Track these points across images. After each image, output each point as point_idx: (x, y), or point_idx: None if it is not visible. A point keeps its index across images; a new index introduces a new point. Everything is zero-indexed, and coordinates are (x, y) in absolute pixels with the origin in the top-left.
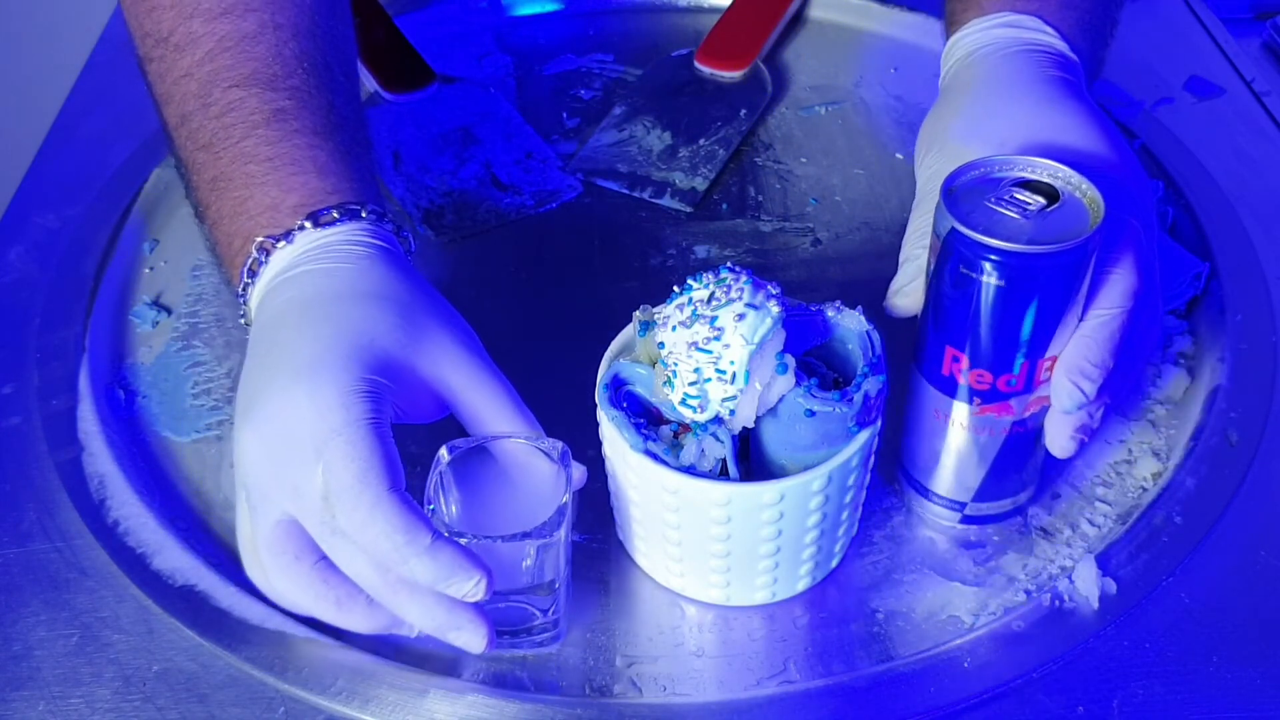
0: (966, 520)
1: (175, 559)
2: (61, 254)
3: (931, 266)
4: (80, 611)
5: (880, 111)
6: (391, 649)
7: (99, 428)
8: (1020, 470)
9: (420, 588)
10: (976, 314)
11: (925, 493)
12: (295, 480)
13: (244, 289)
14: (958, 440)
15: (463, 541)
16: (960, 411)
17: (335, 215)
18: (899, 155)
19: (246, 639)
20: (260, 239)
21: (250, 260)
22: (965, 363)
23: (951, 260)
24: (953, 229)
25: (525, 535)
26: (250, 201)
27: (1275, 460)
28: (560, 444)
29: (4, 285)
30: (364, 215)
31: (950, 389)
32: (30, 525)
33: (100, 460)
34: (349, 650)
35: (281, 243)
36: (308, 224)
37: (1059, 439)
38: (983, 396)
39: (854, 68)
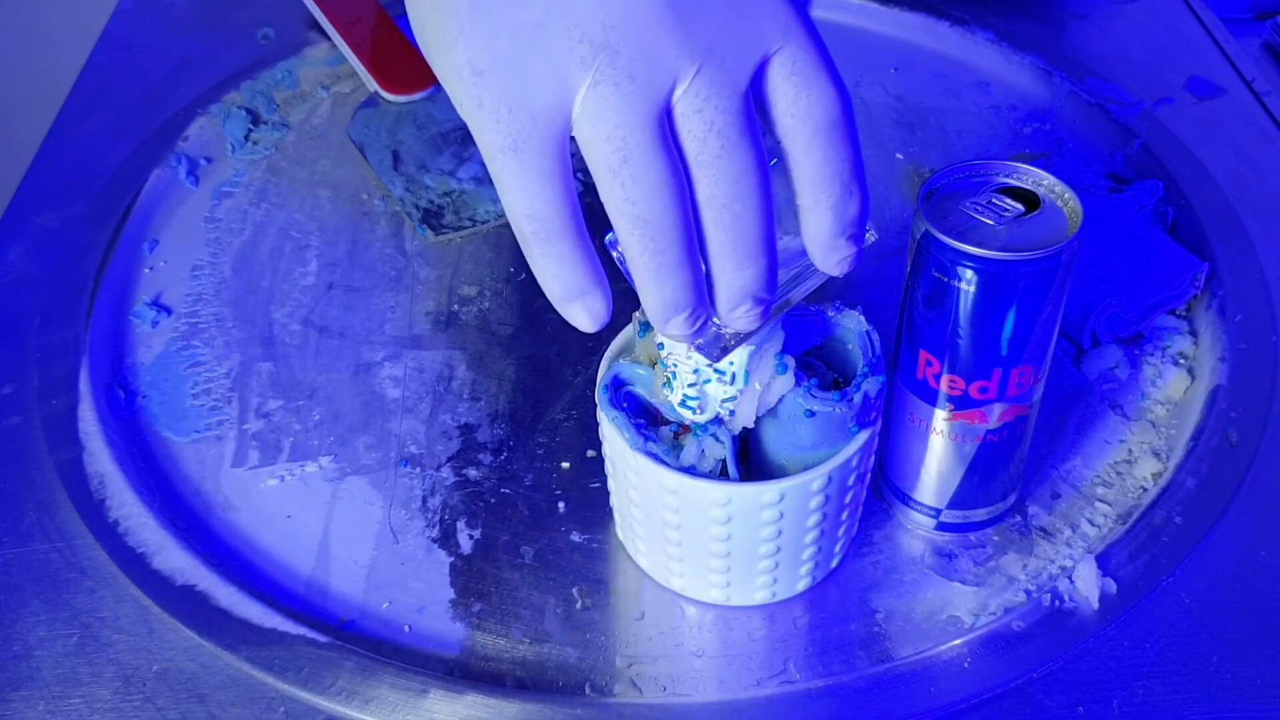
0: (942, 527)
1: (175, 559)
2: (61, 254)
3: (907, 270)
4: (80, 611)
5: (880, 111)
6: (391, 649)
7: (99, 428)
8: (996, 478)
9: (772, 240)
10: (949, 320)
11: (903, 498)
12: (728, 50)
13: None
14: (932, 446)
15: None
16: (935, 417)
17: None
18: (899, 155)
19: (246, 639)
20: None
21: None
22: (939, 368)
23: (926, 265)
24: (926, 233)
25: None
26: None
27: (1275, 460)
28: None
29: (4, 285)
30: None
31: (924, 394)
32: (30, 525)
33: (100, 460)
34: (349, 650)
35: None
36: None
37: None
38: (956, 403)
39: (854, 68)
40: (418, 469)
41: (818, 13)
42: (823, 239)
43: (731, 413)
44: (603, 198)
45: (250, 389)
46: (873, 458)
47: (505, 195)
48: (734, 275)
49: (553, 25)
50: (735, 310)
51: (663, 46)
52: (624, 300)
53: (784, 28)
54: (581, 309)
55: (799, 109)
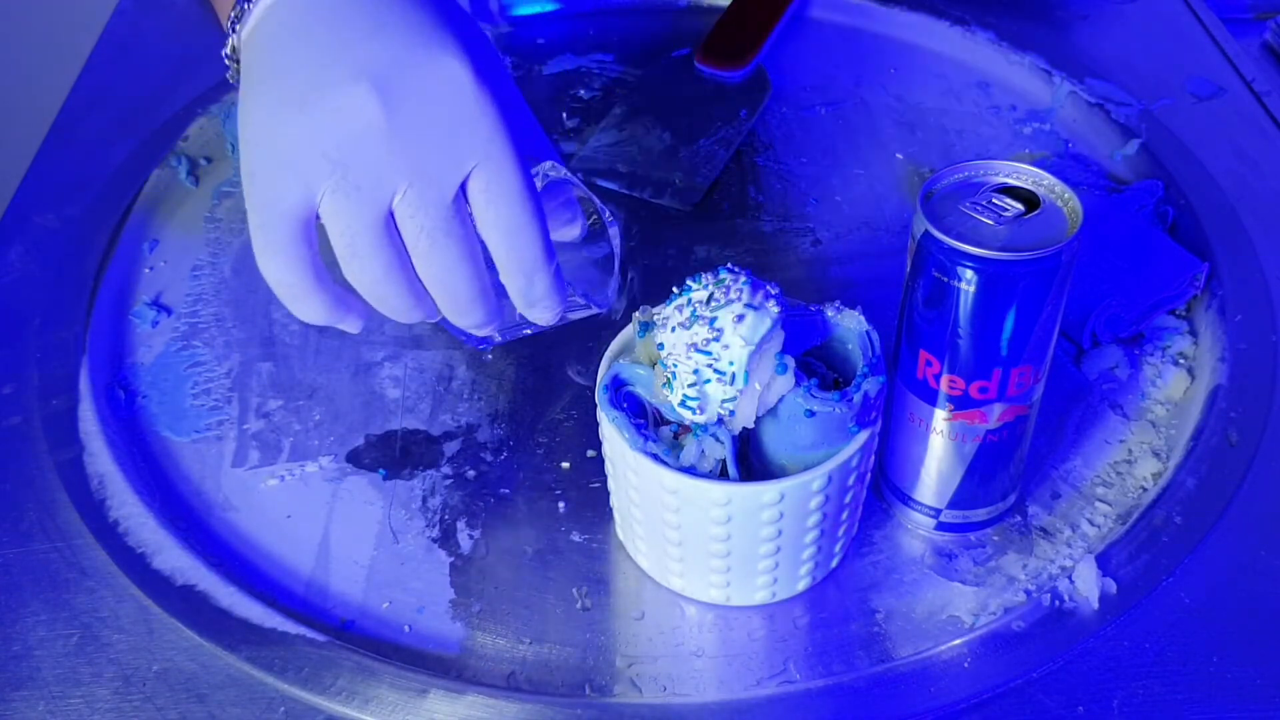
0: (942, 527)
1: (175, 559)
2: (61, 254)
3: (907, 270)
4: (80, 611)
5: (880, 111)
6: (391, 649)
7: (99, 428)
8: (996, 478)
9: (493, 297)
10: (949, 319)
11: (903, 498)
12: (434, 169)
13: None
14: (932, 446)
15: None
16: (935, 417)
17: None
18: (899, 155)
19: (246, 639)
20: None
21: None
22: (938, 368)
23: (926, 265)
24: (926, 233)
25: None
26: None
27: (1275, 460)
28: (607, 208)
29: (4, 285)
30: None
31: (924, 394)
32: (30, 525)
33: (100, 460)
34: (349, 650)
35: None
36: None
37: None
38: (956, 403)
39: (854, 68)
40: (408, 470)
41: (818, 13)
42: (520, 305)
43: (731, 413)
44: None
45: (250, 389)
46: (873, 458)
47: (259, 265)
48: (459, 320)
49: (303, 144)
50: (471, 331)
51: (382, 167)
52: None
53: (481, 152)
54: (344, 327)
55: (488, 218)
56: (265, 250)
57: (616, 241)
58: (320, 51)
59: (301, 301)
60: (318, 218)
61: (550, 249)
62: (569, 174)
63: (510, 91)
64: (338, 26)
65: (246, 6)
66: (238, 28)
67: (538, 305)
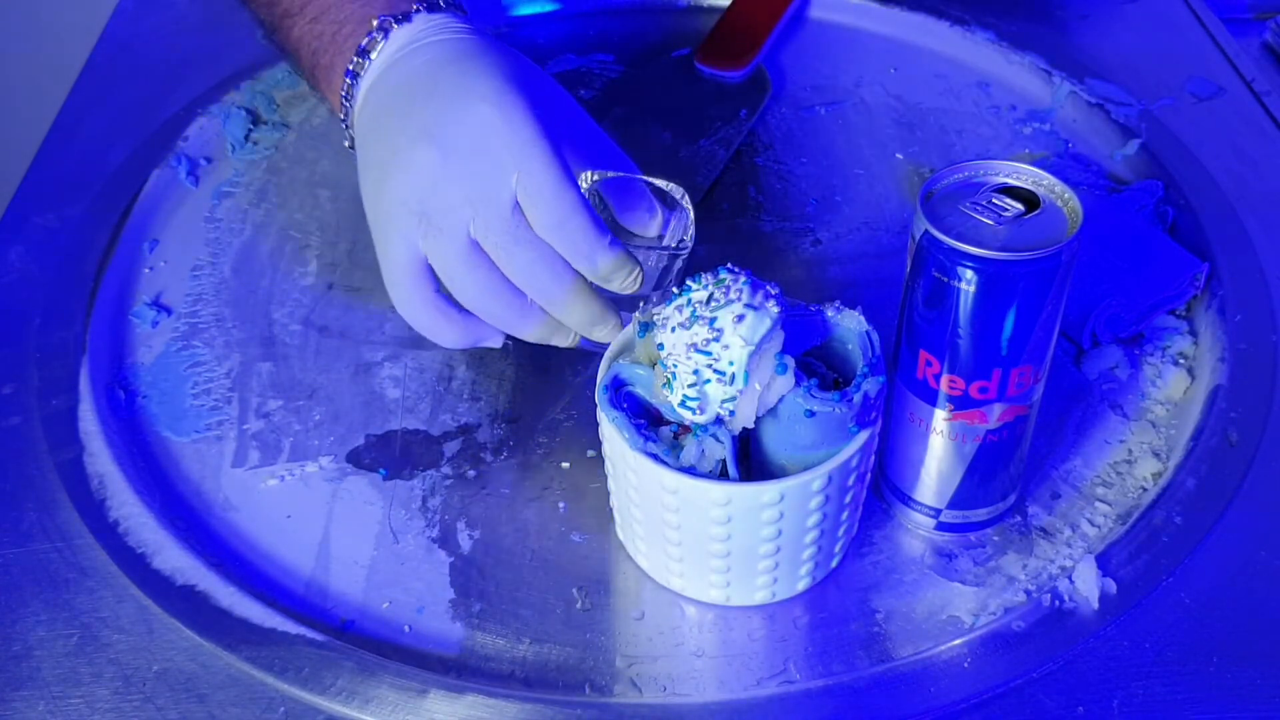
0: (942, 527)
1: (175, 559)
2: (61, 254)
3: (907, 270)
4: (80, 611)
5: (880, 111)
6: (391, 649)
7: (99, 428)
8: (996, 478)
9: (586, 288)
10: (949, 319)
11: (903, 498)
12: (487, 191)
13: (357, 71)
14: (932, 446)
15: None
16: (935, 417)
17: (441, 3)
18: (899, 155)
19: (246, 639)
20: (378, 20)
21: (367, 41)
22: (938, 368)
23: (926, 265)
24: (926, 233)
25: (660, 248)
26: None
27: (1275, 460)
28: (681, 189)
29: (4, 285)
30: (459, 9)
31: (924, 394)
32: (30, 525)
33: (100, 460)
34: (349, 650)
35: (401, 24)
36: (423, 8)
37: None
38: (956, 403)
39: (854, 68)
40: (417, 470)
41: (818, 13)
42: (601, 283)
43: (731, 413)
44: None
45: (250, 389)
46: (873, 458)
47: (399, 309)
48: (564, 315)
49: (396, 207)
50: (573, 335)
51: (450, 203)
52: (624, 300)
53: (518, 165)
54: (487, 345)
55: (534, 217)
56: (397, 301)
57: (681, 213)
58: (396, 120)
59: (438, 334)
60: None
61: (601, 228)
62: (624, 172)
63: (564, 115)
64: (407, 98)
65: (353, 86)
66: (349, 107)
67: (614, 278)
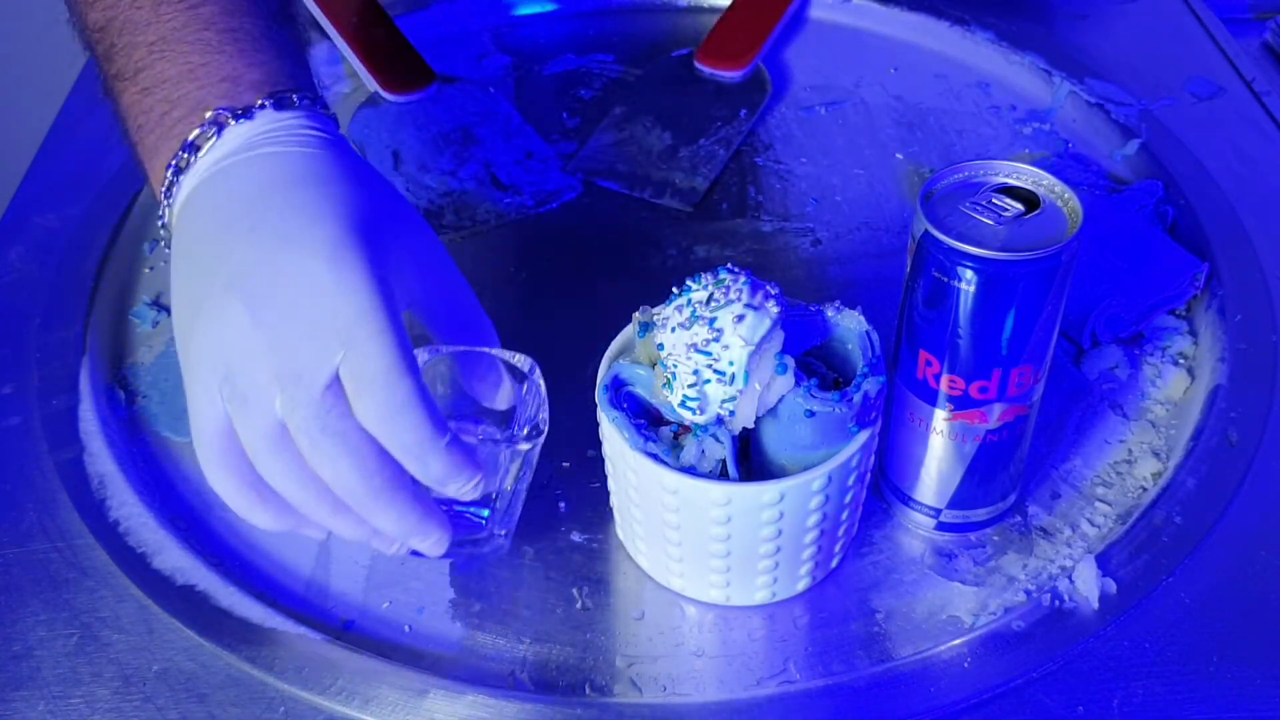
0: (942, 527)
1: (175, 559)
2: (61, 254)
3: (907, 270)
4: (80, 611)
5: (880, 111)
6: (391, 649)
7: (99, 428)
8: (996, 478)
9: (400, 491)
10: (949, 319)
11: (903, 498)
12: (301, 367)
13: (181, 166)
14: (932, 446)
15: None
16: (935, 417)
17: (295, 100)
18: (899, 155)
19: (246, 639)
20: (212, 112)
21: (197, 134)
22: (938, 368)
23: (926, 265)
24: (926, 233)
25: (507, 442)
26: (204, 69)
27: (1275, 460)
28: (529, 359)
29: (4, 285)
30: (317, 105)
31: (924, 394)
32: (30, 525)
33: (100, 460)
34: (349, 650)
35: (240, 121)
36: (268, 104)
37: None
38: (956, 403)
39: (854, 68)
40: None
41: (818, 13)
42: (434, 487)
43: (731, 413)
44: None
45: None
46: (873, 458)
47: (207, 479)
48: (375, 522)
49: (201, 367)
50: (398, 544)
51: (257, 372)
52: (624, 300)
53: (344, 338)
54: (308, 533)
55: (359, 407)
56: (205, 469)
57: (533, 389)
58: (208, 258)
59: (249, 514)
60: None
61: (440, 425)
62: (472, 346)
63: (414, 261)
64: (224, 226)
65: (174, 184)
66: (169, 202)
67: (449, 484)
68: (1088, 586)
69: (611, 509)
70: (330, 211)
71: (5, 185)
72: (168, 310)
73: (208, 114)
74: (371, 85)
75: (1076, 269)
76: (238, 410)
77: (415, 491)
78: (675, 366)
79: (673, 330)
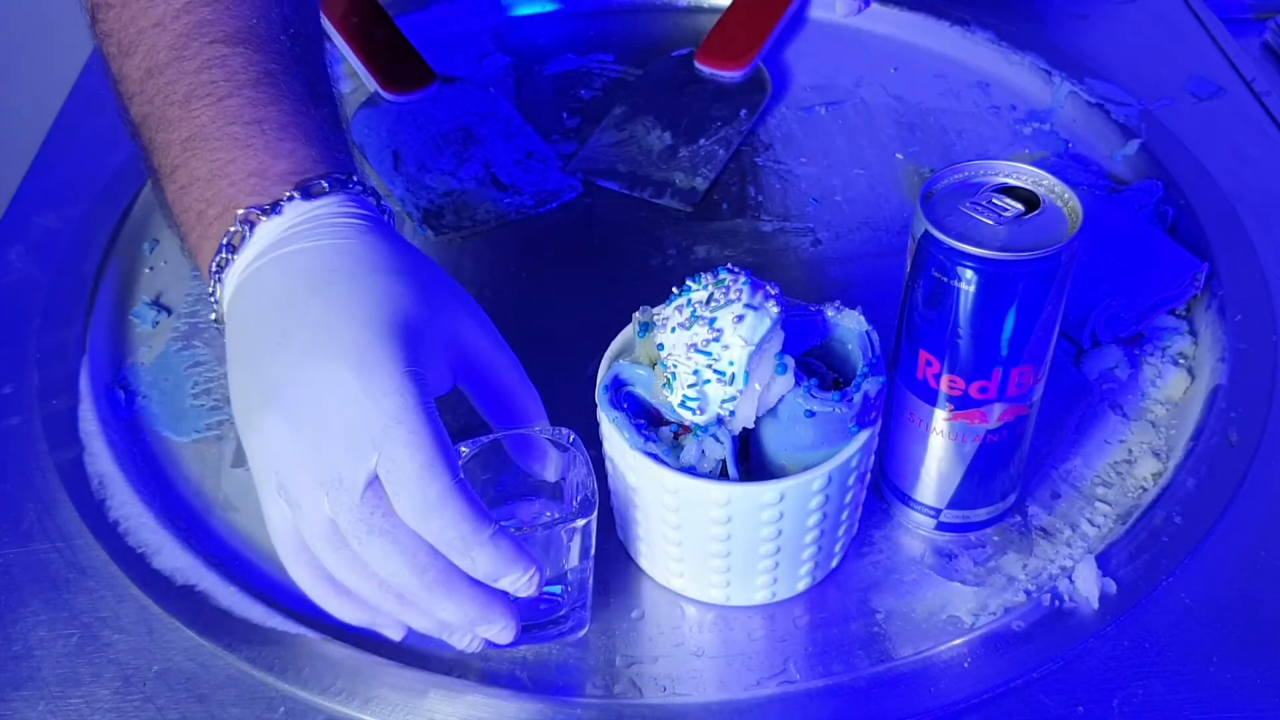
0: (942, 527)
1: (175, 559)
2: (61, 254)
3: (907, 270)
4: (80, 611)
5: (880, 111)
6: (392, 649)
7: (99, 428)
8: (996, 478)
9: (456, 583)
10: (949, 319)
11: (903, 498)
12: (340, 472)
13: (220, 265)
14: (932, 446)
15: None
16: (935, 417)
17: (324, 186)
18: (899, 155)
19: (246, 639)
20: (243, 210)
21: (231, 234)
22: (938, 368)
23: (926, 265)
24: (926, 233)
25: (563, 521)
26: (233, 165)
27: (1275, 460)
28: (571, 432)
29: (4, 285)
30: (350, 186)
31: (924, 394)
32: (30, 525)
33: (100, 460)
34: (349, 650)
35: (269, 216)
36: (296, 195)
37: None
38: (956, 403)
39: (854, 68)
40: None
41: (818, 13)
42: (481, 579)
43: (731, 413)
44: None
45: None
46: (873, 458)
47: (290, 576)
48: (437, 614)
49: (260, 474)
50: (467, 633)
51: (302, 480)
52: (624, 300)
53: (376, 441)
54: (387, 634)
55: (399, 506)
56: (284, 562)
57: (579, 460)
58: (246, 371)
59: (332, 608)
60: None
61: (482, 518)
62: (515, 427)
63: (456, 349)
64: (259, 338)
65: (218, 284)
66: (216, 301)
67: (500, 579)
68: (1088, 586)
69: (612, 509)
70: (360, 313)
71: (5, 185)
72: (168, 310)
73: (239, 211)
74: (371, 85)
75: (1076, 269)
76: (295, 514)
77: (475, 582)
78: (675, 366)
79: (673, 330)
